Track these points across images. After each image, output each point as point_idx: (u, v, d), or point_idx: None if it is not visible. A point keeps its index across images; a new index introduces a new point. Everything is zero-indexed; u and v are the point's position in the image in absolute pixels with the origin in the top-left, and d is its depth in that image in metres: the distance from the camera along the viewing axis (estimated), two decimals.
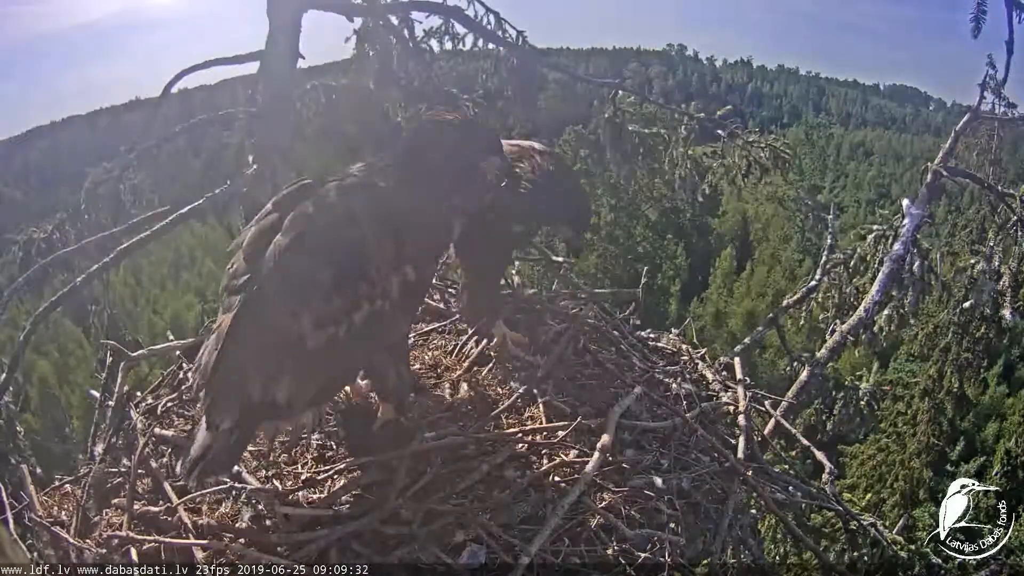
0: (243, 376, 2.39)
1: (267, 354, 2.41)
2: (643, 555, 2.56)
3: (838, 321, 6.85)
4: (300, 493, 2.75)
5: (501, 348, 3.54)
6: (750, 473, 3.17)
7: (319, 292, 2.43)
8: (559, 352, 3.53)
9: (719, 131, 7.03)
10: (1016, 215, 6.95)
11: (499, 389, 3.35)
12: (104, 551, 2.60)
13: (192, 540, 2.53)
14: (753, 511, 3.47)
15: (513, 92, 6.60)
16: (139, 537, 2.58)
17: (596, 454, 2.83)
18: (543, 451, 2.95)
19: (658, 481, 2.92)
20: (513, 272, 4.34)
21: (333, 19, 5.86)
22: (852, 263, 7.14)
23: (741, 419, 3.54)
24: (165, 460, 3.00)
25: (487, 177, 2.82)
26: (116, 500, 2.85)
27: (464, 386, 3.37)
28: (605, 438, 2.90)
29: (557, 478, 2.81)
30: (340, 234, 2.52)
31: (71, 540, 2.66)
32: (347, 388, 3.22)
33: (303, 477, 2.84)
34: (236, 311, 2.43)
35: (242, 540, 2.53)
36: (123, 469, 2.98)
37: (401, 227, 2.60)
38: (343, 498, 2.73)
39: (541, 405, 3.18)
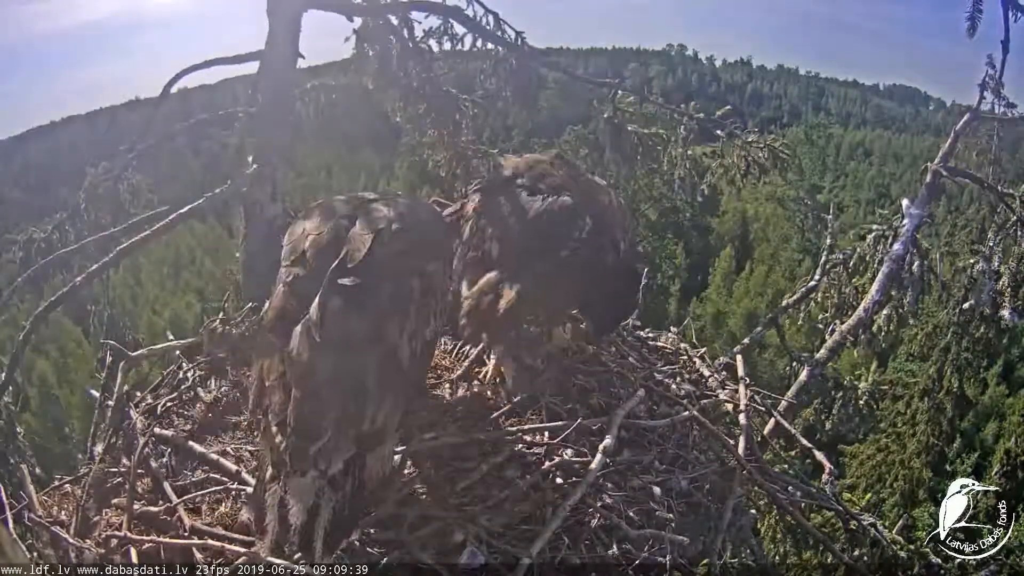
0: (345, 394, 2.13)
1: (365, 364, 2.19)
2: (643, 555, 2.56)
3: (838, 321, 6.84)
4: None
5: (490, 376, 3.45)
6: (751, 471, 3.17)
7: (412, 302, 2.36)
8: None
9: (718, 131, 7.02)
10: (1016, 215, 6.95)
11: (500, 389, 3.34)
12: (104, 551, 2.60)
13: (192, 540, 2.53)
14: (753, 511, 3.47)
15: (512, 92, 6.59)
16: (139, 537, 2.58)
17: (598, 455, 2.83)
18: (543, 451, 2.95)
19: (657, 481, 2.93)
20: None
21: (333, 19, 5.86)
22: (852, 263, 7.14)
23: (741, 418, 3.54)
24: (165, 460, 3.00)
25: None
26: (116, 500, 2.85)
27: (464, 387, 3.37)
28: (607, 440, 2.90)
29: (558, 479, 2.81)
30: (416, 248, 2.49)
31: (71, 540, 2.66)
32: None
33: None
34: (320, 317, 2.18)
35: (241, 540, 2.52)
36: (123, 469, 2.97)
37: (448, 254, 2.69)
38: None
39: (542, 405, 3.18)
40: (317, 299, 2.21)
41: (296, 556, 2.13)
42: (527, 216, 3.20)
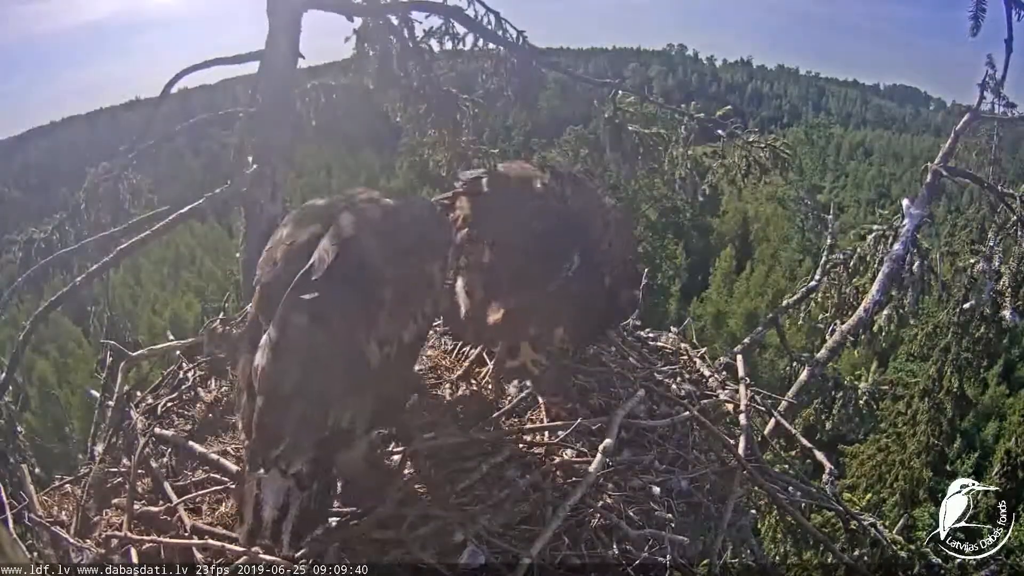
0: (308, 403, 2.21)
1: (330, 375, 2.26)
2: (643, 555, 2.56)
3: (838, 321, 6.85)
4: None
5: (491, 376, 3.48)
6: (752, 471, 3.17)
7: (382, 309, 2.36)
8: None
9: (719, 131, 7.03)
10: (1016, 215, 6.95)
11: (500, 389, 3.34)
12: (104, 551, 2.60)
13: (192, 540, 2.53)
14: (753, 511, 3.47)
15: (513, 92, 6.59)
16: (139, 537, 2.58)
17: (598, 455, 2.82)
18: (543, 451, 2.95)
19: (657, 481, 2.93)
20: None
21: (333, 19, 5.86)
22: (852, 263, 7.14)
23: (741, 418, 3.54)
24: (165, 460, 3.00)
25: None
26: (116, 500, 2.85)
27: (464, 386, 3.37)
28: (607, 440, 2.90)
29: (558, 479, 2.81)
30: (395, 252, 2.47)
31: (71, 540, 2.65)
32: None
33: None
34: (281, 332, 2.23)
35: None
36: (123, 469, 2.97)
37: (441, 253, 2.66)
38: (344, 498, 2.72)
39: (542, 405, 3.18)
40: (277, 315, 2.26)
41: (267, 545, 2.32)
42: (517, 243, 3.17)
